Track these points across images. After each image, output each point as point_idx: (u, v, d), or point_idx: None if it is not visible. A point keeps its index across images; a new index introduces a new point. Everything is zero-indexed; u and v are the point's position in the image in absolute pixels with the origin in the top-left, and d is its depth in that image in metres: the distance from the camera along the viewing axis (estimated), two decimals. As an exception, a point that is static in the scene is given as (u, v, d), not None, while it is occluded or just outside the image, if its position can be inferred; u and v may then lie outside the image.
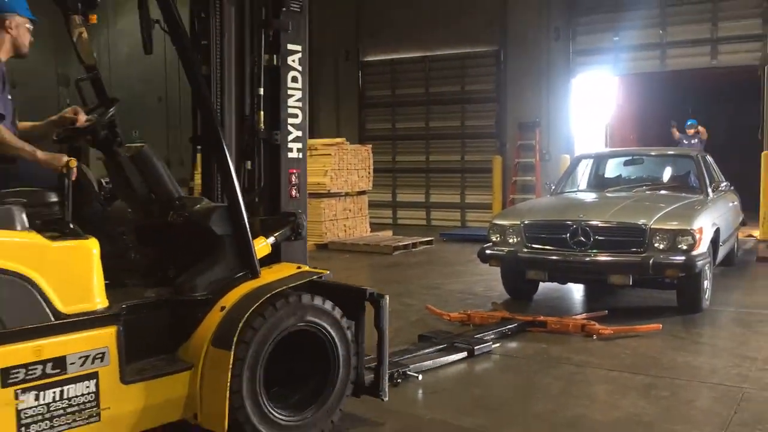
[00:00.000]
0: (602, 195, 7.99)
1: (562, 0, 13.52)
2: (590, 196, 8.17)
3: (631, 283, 6.42)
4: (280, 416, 3.50)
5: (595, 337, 5.77)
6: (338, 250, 11.12)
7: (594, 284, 6.59)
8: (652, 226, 6.37)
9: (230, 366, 3.28)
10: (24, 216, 3.10)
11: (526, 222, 6.88)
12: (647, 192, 7.88)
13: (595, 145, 13.86)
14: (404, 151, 15.55)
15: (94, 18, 3.71)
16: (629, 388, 4.61)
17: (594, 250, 6.45)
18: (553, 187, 8.58)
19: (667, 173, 8.57)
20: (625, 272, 6.34)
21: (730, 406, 4.20)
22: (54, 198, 3.30)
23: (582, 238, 6.48)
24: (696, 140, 13.67)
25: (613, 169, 9.12)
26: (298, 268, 3.87)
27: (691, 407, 4.29)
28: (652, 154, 9.39)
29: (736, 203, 8.79)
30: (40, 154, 3.38)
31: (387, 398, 3.94)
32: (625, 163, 9.04)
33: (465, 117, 14.81)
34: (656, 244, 6.31)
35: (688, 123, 14.03)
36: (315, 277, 3.80)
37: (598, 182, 8.68)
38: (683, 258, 6.23)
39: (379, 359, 3.92)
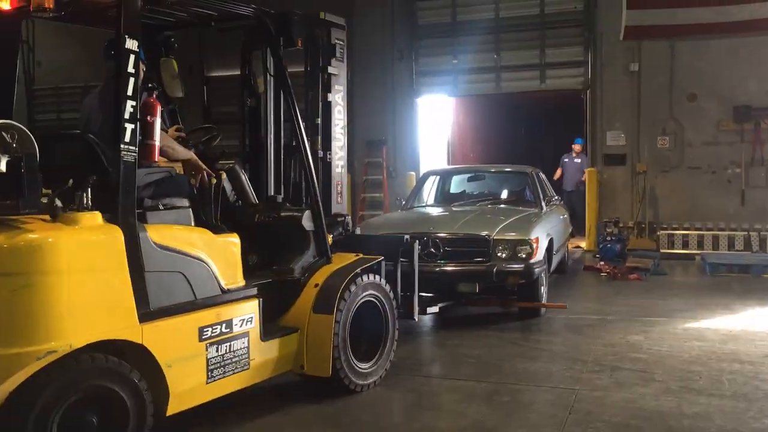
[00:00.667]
0: (449, 209, 8.45)
1: (404, 22, 14.00)
2: (438, 210, 8.61)
3: (477, 291, 6.86)
4: (358, 364, 4.77)
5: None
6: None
7: (445, 294, 6.90)
8: (494, 237, 6.88)
9: (332, 326, 4.52)
10: (192, 216, 4.22)
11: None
12: (489, 206, 8.47)
13: (438, 163, 14.42)
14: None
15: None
16: (474, 396, 4.81)
17: (443, 261, 6.80)
18: (404, 203, 8.94)
19: (505, 188, 9.22)
20: (472, 281, 6.80)
21: (565, 408, 4.50)
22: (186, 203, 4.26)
23: (432, 250, 6.81)
24: (580, 159, 13.89)
25: (457, 184, 9.61)
26: (357, 255, 5.08)
27: (530, 411, 4.55)
28: (492, 170, 10.02)
29: (566, 216, 9.59)
30: (195, 159, 4.52)
31: (417, 319, 5.75)
32: (469, 179, 9.56)
33: (313, 135, 14.86)
34: (499, 254, 6.81)
35: (578, 141, 14.13)
36: (373, 263, 5.03)
37: (444, 197, 9.18)
38: (522, 266, 6.78)
39: (412, 290, 5.50)
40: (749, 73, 11.94)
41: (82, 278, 3.38)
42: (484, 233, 6.93)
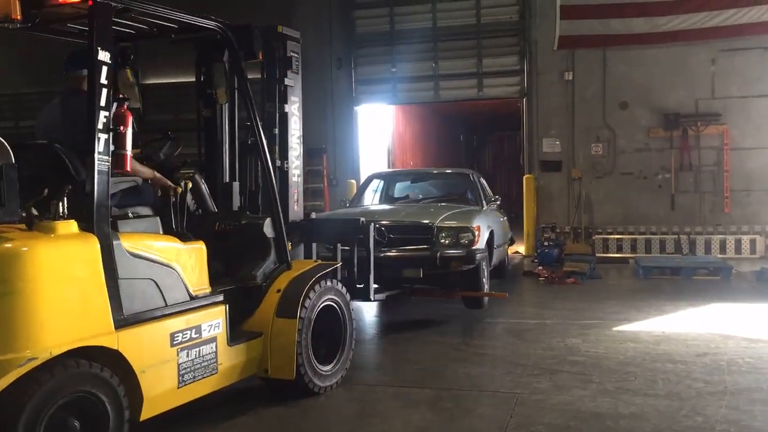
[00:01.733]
0: (394, 205, 8.80)
1: (343, 31, 14.01)
2: (383, 206, 8.87)
3: (422, 276, 6.99)
4: (320, 367, 4.92)
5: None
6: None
7: (391, 280, 7.01)
8: (437, 225, 7.28)
9: (296, 330, 4.67)
10: (159, 224, 4.35)
11: None
12: (432, 202, 8.92)
13: (379, 170, 14.45)
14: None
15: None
16: (418, 402, 4.81)
17: (387, 249, 7.01)
18: (347, 204, 9.17)
19: (447, 190, 9.55)
20: (417, 266, 7.02)
21: (506, 412, 4.55)
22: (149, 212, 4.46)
23: (378, 237, 6.81)
24: None
25: (401, 187, 9.81)
26: (315, 261, 5.32)
27: (473, 415, 4.58)
28: (435, 173, 10.52)
29: (505, 219, 9.83)
30: (158, 177, 4.57)
31: (373, 299, 6.13)
32: (412, 181, 9.93)
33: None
34: (442, 240, 7.20)
35: None
36: (331, 268, 5.21)
37: (388, 199, 9.41)
38: (465, 251, 7.16)
39: (367, 271, 5.84)
40: (677, 83, 12.40)
41: (60, 286, 3.44)
42: (427, 221, 7.34)
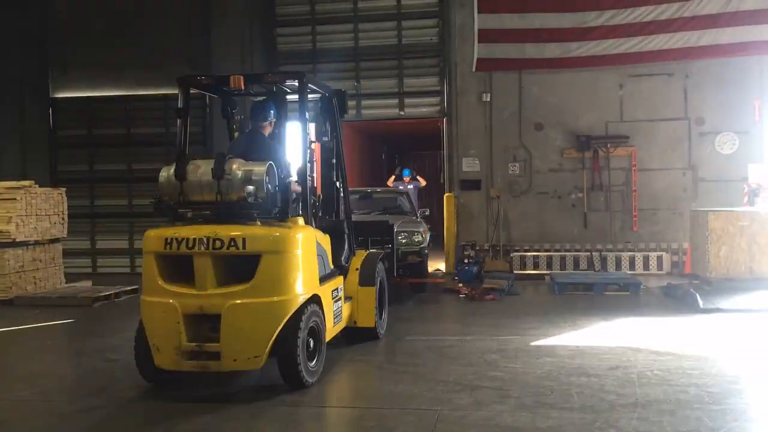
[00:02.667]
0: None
1: (264, 48, 13.93)
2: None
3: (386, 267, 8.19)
4: (379, 317, 7.32)
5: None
6: (27, 306, 9.94)
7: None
8: (397, 229, 9.66)
9: (375, 295, 7.08)
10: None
11: None
12: (380, 214, 10.98)
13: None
14: (104, 195, 14.54)
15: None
16: (340, 424, 4.79)
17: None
18: None
19: (388, 204, 11.64)
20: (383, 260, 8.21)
21: (428, 428, 4.58)
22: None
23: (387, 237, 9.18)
24: (412, 186, 14.82)
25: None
26: (366, 250, 7.74)
27: (395, 434, 4.59)
28: (379, 191, 12.66)
29: (428, 226, 11.44)
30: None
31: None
32: (360, 198, 11.36)
33: (171, 159, 14.32)
34: (400, 239, 9.82)
35: (405, 173, 15.38)
36: (383, 254, 7.82)
37: None
38: (418, 248, 10.09)
39: (393, 257, 9.16)
40: (589, 106, 12.93)
41: (303, 257, 5.64)
42: (390, 222, 9.57)
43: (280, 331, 5.33)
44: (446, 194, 13.36)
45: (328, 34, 13.82)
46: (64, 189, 11.58)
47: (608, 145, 12.76)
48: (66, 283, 11.37)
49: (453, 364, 6.26)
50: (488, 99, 13.15)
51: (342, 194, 7.18)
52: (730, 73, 12.50)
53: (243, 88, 6.25)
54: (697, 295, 8.85)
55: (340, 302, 6.56)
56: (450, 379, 5.76)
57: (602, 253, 12.68)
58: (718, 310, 8.54)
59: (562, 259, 12.73)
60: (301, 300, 5.49)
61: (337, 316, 6.43)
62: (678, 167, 12.76)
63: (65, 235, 11.44)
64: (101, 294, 10.32)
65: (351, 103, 13.76)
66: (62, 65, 14.49)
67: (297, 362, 5.35)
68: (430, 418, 4.78)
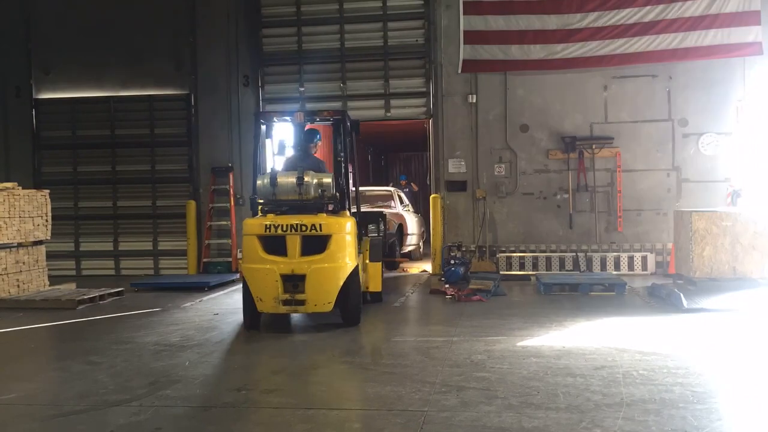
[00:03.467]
0: None
1: (249, 49, 13.90)
2: None
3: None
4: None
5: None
6: (10, 309, 9.84)
7: None
8: (388, 218, 12.11)
9: (381, 268, 9.56)
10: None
11: None
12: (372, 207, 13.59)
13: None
14: (88, 197, 14.45)
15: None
16: (327, 424, 4.77)
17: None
18: None
19: (378, 201, 14.87)
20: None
21: (414, 430, 4.58)
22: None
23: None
24: (407, 190, 18.66)
25: None
26: (366, 236, 9.83)
27: (382, 435, 4.58)
28: (369, 189, 15.15)
29: (419, 216, 16.36)
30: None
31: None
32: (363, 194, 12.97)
33: (155, 161, 14.30)
34: (389, 229, 12.42)
35: (402, 177, 19.22)
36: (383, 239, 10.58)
37: None
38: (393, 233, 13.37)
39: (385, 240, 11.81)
40: (574, 107, 13.01)
41: (351, 237, 8.08)
42: (382, 210, 12.05)
43: (344, 285, 7.86)
44: (432, 195, 13.39)
45: (314, 35, 13.81)
46: (48, 191, 11.50)
47: (593, 146, 12.85)
48: (50, 285, 11.28)
49: (439, 365, 6.27)
50: (474, 100, 13.19)
51: (351, 193, 9.12)
52: (713, 74, 12.62)
53: (301, 120, 8.95)
54: (681, 295, 8.92)
55: (362, 273, 8.82)
56: (437, 380, 5.76)
57: (587, 253, 12.75)
58: (702, 309, 8.61)
59: (548, 259, 12.80)
60: (351, 267, 7.97)
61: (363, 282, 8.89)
62: (662, 168, 12.86)
63: (49, 238, 11.36)
64: (85, 297, 10.25)
65: (337, 104, 13.83)
66: (45, 66, 14.38)
67: (357, 307, 8.15)
68: (417, 419, 4.78)
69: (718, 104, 12.66)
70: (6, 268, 10.38)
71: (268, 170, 8.66)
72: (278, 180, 8.21)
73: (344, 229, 8.00)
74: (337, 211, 8.38)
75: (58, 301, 10.11)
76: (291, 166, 8.70)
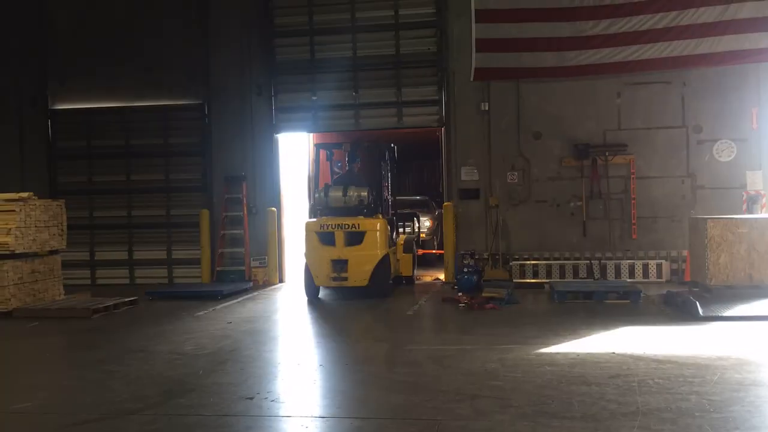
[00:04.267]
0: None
1: (263, 58, 13.97)
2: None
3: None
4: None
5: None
6: (26, 318, 9.92)
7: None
8: (420, 217, 15.18)
9: (412, 258, 12.58)
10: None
11: None
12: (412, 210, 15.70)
13: (297, 198, 14.51)
14: (103, 206, 14.55)
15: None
16: (340, 434, 4.76)
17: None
18: None
19: (417, 206, 16.98)
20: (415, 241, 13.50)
21: (428, 439, 4.56)
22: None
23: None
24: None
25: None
26: (404, 234, 13.76)
27: (396, 444, 4.57)
28: (410, 196, 18.28)
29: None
30: None
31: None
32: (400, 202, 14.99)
33: (169, 170, 14.39)
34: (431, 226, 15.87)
35: None
36: (415, 235, 14.25)
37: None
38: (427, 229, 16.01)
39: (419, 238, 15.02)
40: (587, 114, 12.96)
41: (382, 233, 11.23)
42: (416, 212, 15.09)
43: (374, 267, 10.88)
44: (445, 203, 13.37)
45: (327, 44, 13.85)
46: (63, 200, 11.58)
47: (606, 154, 12.78)
48: (65, 294, 11.36)
49: (453, 373, 6.24)
50: (486, 108, 13.18)
51: (388, 201, 12.45)
52: (728, 80, 12.54)
53: (348, 149, 12.12)
54: (697, 303, 8.84)
55: (393, 260, 11.67)
56: (450, 388, 5.74)
57: (601, 261, 12.67)
58: (719, 317, 8.53)
59: (562, 267, 12.73)
60: (382, 254, 11.02)
61: (393, 267, 11.61)
62: (676, 175, 12.78)
63: (64, 247, 11.44)
64: (100, 305, 10.31)
65: (349, 113, 13.87)
66: (61, 77, 14.53)
67: (386, 283, 11.19)
68: (431, 428, 4.76)
69: (732, 110, 12.57)
70: (22, 278, 10.46)
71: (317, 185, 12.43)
72: (330, 192, 11.41)
73: (375, 227, 11.09)
74: (371, 215, 11.26)
75: (73, 310, 10.17)
76: (339, 182, 11.75)
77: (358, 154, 12.31)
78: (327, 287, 11.41)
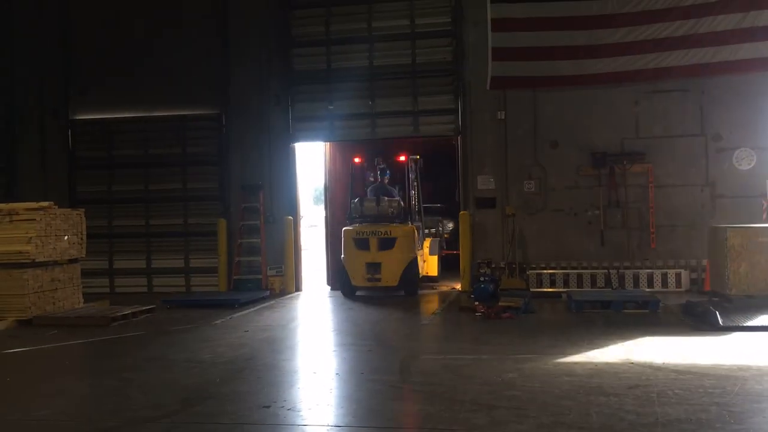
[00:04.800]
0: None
1: (281, 68, 14.06)
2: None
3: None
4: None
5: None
6: (45, 326, 10.01)
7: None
8: (443, 220, 16.33)
9: (437, 260, 14.42)
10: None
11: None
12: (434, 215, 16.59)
13: (312, 206, 14.47)
14: (122, 215, 14.69)
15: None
16: (356, 443, 4.76)
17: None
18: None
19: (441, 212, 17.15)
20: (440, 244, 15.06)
21: (444, 449, 4.54)
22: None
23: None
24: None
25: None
26: (431, 238, 15.21)
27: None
28: (433, 204, 16.83)
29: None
30: None
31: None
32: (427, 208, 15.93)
33: (187, 179, 14.50)
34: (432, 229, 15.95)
35: None
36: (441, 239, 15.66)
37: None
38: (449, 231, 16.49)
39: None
40: (604, 123, 12.90)
41: (411, 239, 12.74)
42: (440, 218, 16.38)
43: (404, 269, 12.26)
44: (461, 212, 13.35)
45: (343, 54, 13.92)
46: (83, 209, 11.70)
47: (624, 162, 12.71)
48: (84, 303, 11.45)
49: (469, 383, 6.21)
50: (503, 117, 13.16)
51: (415, 208, 13.82)
52: (747, 88, 12.44)
53: (381, 164, 13.59)
54: (717, 313, 8.73)
55: (420, 262, 13.03)
56: (467, 398, 5.72)
57: (620, 270, 12.58)
58: (739, 328, 8.43)
59: (579, 276, 12.65)
60: (410, 257, 12.39)
61: (420, 267, 13.00)
62: (695, 183, 12.67)
63: (84, 256, 11.54)
64: (119, 314, 10.39)
65: (365, 122, 13.92)
66: (82, 88, 14.71)
67: (414, 283, 12.58)
68: (447, 438, 4.73)
69: (752, 118, 12.46)
70: (42, 286, 10.57)
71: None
72: (365, 203, 12.94)
73: (405, 233, 12.53)
74: (402, 222, 12.71)
75: (91, 318, 10.26)
76: (372, 192, 13.26)
77: (387, 168, 13.73)
78: (362, 287, 12.68)
